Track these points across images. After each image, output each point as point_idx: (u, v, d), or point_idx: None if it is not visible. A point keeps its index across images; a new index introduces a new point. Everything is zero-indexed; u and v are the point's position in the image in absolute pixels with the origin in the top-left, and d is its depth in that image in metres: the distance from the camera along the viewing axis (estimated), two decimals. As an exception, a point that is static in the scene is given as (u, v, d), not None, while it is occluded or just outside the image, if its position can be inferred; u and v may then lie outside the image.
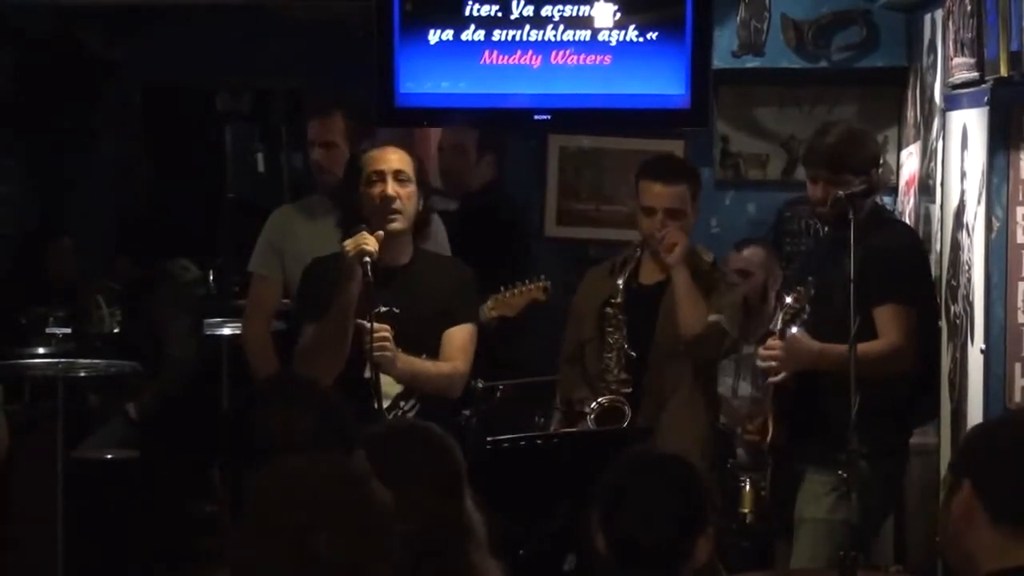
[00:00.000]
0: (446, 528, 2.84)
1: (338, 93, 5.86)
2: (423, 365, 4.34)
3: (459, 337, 4.41)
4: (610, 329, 4.81)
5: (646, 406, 4.80)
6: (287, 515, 1.98)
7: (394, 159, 4.37)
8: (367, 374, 4.22)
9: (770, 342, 4.59)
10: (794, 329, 4.52)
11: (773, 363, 4.57)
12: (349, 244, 4.23)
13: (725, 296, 4.87)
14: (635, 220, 4.97)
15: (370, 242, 4.21)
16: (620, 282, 4.82)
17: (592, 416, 4.76)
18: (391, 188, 4.32)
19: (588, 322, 4.94)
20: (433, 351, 4.39)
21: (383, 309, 4.23)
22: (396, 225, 4.29)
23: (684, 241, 4.75)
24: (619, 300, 4.80)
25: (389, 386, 4.28)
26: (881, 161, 4.97)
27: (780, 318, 4.58)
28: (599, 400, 4.77)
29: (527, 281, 5.00)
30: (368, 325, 4.16)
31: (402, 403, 4.34)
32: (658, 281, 4.88)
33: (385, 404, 4.25)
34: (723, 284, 4.91)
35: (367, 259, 4.18)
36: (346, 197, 4.45)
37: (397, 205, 4.32)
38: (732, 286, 4.98)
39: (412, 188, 4.37)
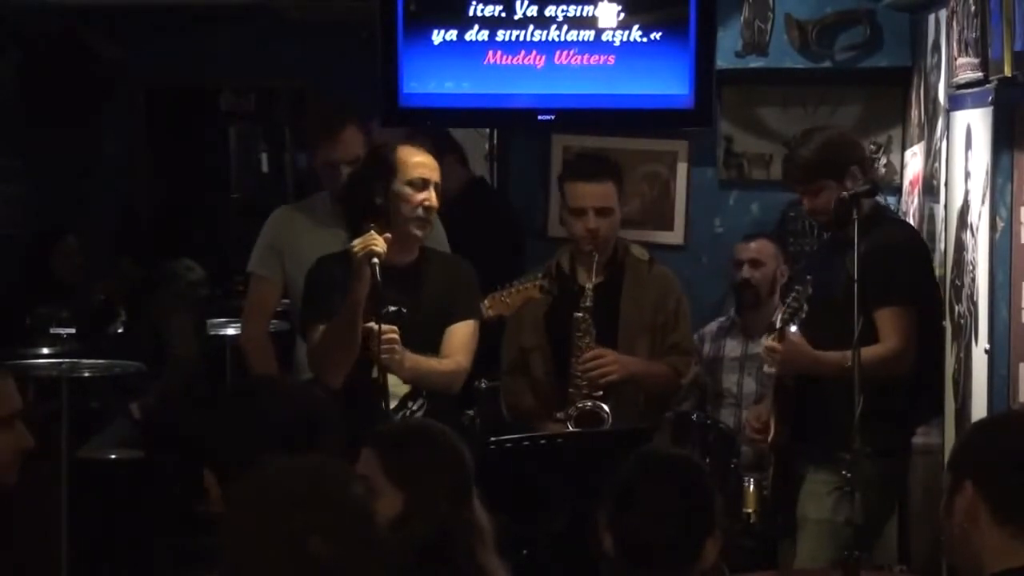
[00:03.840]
0: (454, 528, 2.84)
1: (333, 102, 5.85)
2: (428, 364, 4.36)
3: (461, 333, 4.43)
4: (579, 334, 4.84)
5: (614, 406, 4.86)
6: (269, 519, 1.98)
7: (432, 168, 4.45)
8: (375, 374, 4.24)
9: (771, 343, 4.62)
10: (793, 328, 4.55)
11: (772, 364, 4.68)
12: (358, 245, 4.23)
13: (680, 327, 5.03)
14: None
15: (379, 243, 4.22)
16: (589, 287, 4.84)
17: (571, 421, 4.79)
18: (433, 199, 4.41)
19: (529, 330, 4.98)
20: (438, 349, 4.42)
21: (391, 309, 4.25)
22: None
23: (615, 369, 4.85)
24: (589, 304, 4.82)
25: (397, 386, 4.31)
26: (874, 155, 5.01)
27: (780, 316, 4.62)
28: (577, 404, 4.80)
29: (523, 279, 5.00)
30: (376, 327, 4.18)
31: (410, 403, 4.36)
32: (597, 283, 4.89)
33: (392, 404, 4.28)
34: (668, 289, 5.02)
35: (375, 260, 4.19)
36: (367, 190, 4.42)
37: (432, 217, 4.42)
38: (678, 296, 5.06)
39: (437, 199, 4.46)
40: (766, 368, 4.89)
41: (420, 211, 4.37)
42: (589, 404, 4.81)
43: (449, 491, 2.86)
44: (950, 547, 2.57)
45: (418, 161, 4.43)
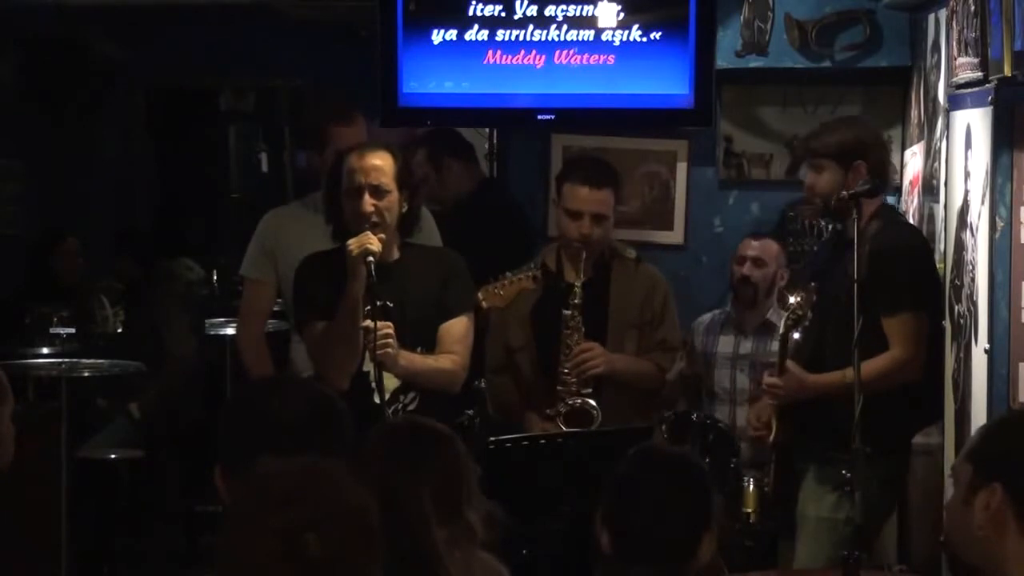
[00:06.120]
0: (436, 528, 2.79)
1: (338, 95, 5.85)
2: (423, 361, 4.35)
3: (456, 329, 4.42)
4: (568, 332, 4.86)
5: (605, 403, 4.88)
6: (264, 516, 1.98)
7: (373, 169, 4.32)
8: (365, 368, 4.24)
9: (770, 379, 4.67)
10: (795, 335, 4.56)
11: (775, 400, 4.69)
12: (353, 244, 4.24)
13: (665, 324, 5.06)
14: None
15: (374, 242, 4.23)
16: (578, 285, 4.86)
17: (560, 418, 4.81)
18: (368, 205, 4.30)
19: (515, 329, 5.00)
20: (428, 344, 4.40)
21: (378, 304, 4.23)
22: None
23: (601, 361, 4.88)
24: (578, 302, 4.84)
25: (387, 380, 4.30)
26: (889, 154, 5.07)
27: (783, 323, 4.62)
28: (567, 402, 4.82)
29: (516, 271, 5.01)
30: (372, 324, 4.17)
31: (401, 396, 4.35)
32: (584, 281, 4.90)
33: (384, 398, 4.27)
34: (654, 287, 5.05)
35: (370, 259, 4.20)
36: (330, 202, 4.45)
37: (375, 219, 4.30)
38: (664, 293, 5.08)
39: (392, 196, 4.34)
40: (765, 399, 4.86)
41: (371, 217, 4.30)
42: (579, 401, 4.82)
43: (435, 491, 2.83)
44: (963, 549, 2.45)
45: (352, 166, 4.34)
